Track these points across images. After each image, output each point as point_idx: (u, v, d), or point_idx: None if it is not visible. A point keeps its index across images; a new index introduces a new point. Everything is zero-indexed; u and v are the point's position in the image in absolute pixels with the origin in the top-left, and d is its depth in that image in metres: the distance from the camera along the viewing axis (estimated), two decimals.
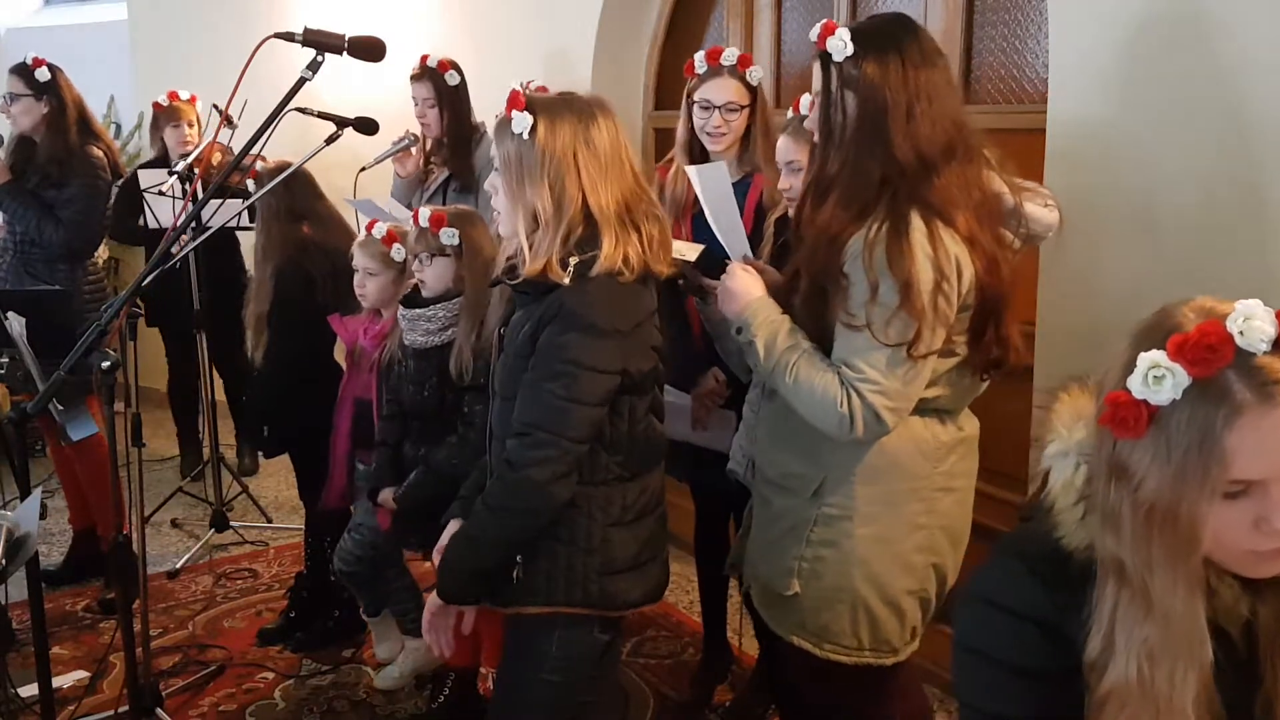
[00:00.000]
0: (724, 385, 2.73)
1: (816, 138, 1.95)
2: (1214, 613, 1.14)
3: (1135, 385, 1.08)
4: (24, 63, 3.74)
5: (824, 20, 1.91)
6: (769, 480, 2.06)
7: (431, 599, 2.03)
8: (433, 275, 2.72)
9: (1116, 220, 2.42)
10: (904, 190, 1.82)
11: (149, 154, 4.75)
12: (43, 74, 3.71)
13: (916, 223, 1.81)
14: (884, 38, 1.87)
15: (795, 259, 1.98)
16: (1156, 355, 1.07)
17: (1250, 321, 1.05)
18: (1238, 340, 1.05)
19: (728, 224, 2.25)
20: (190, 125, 4.51)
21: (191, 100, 4.56)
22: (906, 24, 1.92)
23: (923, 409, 1.92)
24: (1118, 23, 2.50)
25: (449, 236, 2.67)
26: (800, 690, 2.23)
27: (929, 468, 1.96)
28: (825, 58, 1.90)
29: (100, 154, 3.79)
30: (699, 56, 2.84)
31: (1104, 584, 1.13)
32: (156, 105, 4.56)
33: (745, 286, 2.00)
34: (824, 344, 1.91)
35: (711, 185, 2.24)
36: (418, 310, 2.73)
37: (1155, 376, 1.06)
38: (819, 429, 1.88)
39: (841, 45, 1.86)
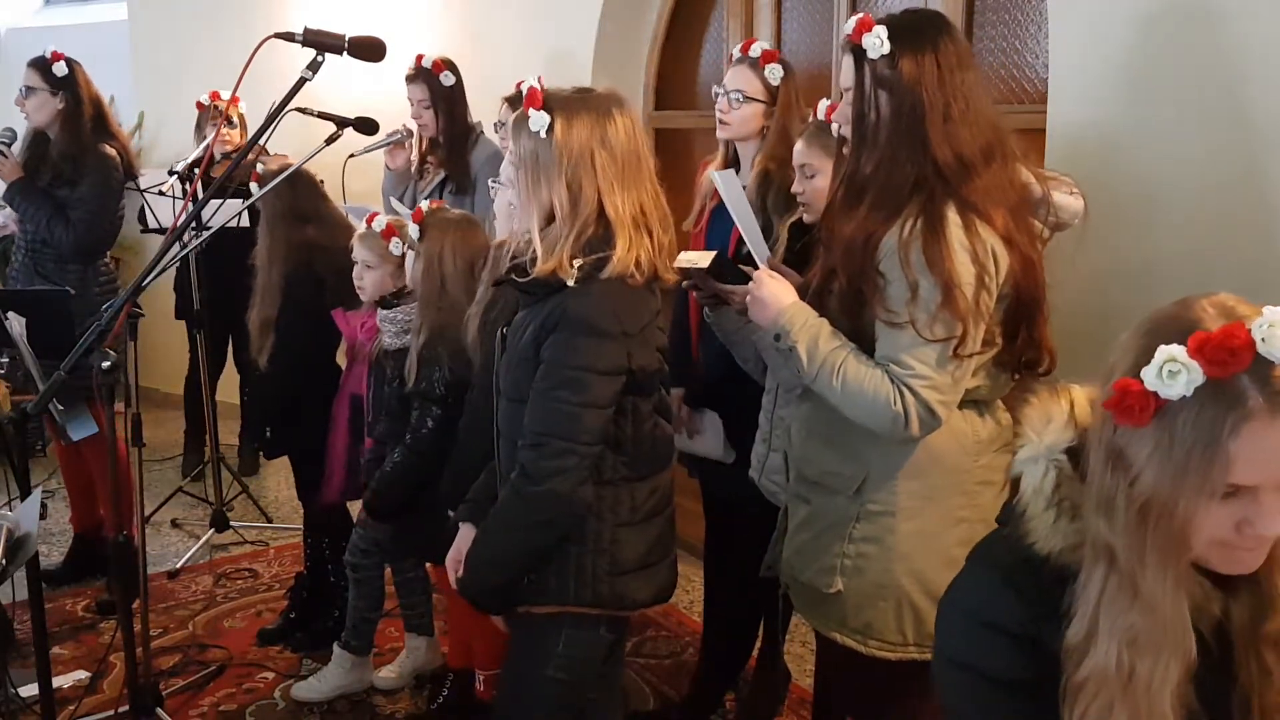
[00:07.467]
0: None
1: (847, 134, 1.92)
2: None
3: (1149, 376, 1.06)
4: (42, 56, 3.64)
5: (860, 15, 1.87)
6: (807, 480, 2.03)
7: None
8: (412, 274, 2.73)
9: (1116, 220, 2.42)
10: (940, 189, 1.80)
11: (149, 154, 4.75)
12: (60, 69, 3.62)
13: (952, 216, 1.79)
14: (920, 36, 1.84)
15: (827, 259, 1.95)
16: (1175, 350, 1.05)
17: (1274, 329, 1.03)
18: (1259, 347, 1.04)
19: (750, 229, 2.24)
20: (232, 125, 4.58)
21: (234, 101, 4.57)
22: (941, 23, 1.89)
23: (961, 401, 1.90)
24: (1117, 22, 2.50)
25: (414, 235, 2.67)
26: (842, 687, 2.22)
27: (969, 461, 1.94)
28: (858, 53, 1.86)
29: (114, 152, 3.72)
30: (739, 46, 2.83)
31: (1092, 568, 1.13)
32: (199, 105, 4.63)
33: (776, 293, 1.96)
34: (861, 344, 1.89)
35: (733, 191, 2.24)
36: (384, 311, 2.77)
37: (1171, 371, 1.05)
38: (868, 428, 1.86)
39: (878, 43, 1.82)
